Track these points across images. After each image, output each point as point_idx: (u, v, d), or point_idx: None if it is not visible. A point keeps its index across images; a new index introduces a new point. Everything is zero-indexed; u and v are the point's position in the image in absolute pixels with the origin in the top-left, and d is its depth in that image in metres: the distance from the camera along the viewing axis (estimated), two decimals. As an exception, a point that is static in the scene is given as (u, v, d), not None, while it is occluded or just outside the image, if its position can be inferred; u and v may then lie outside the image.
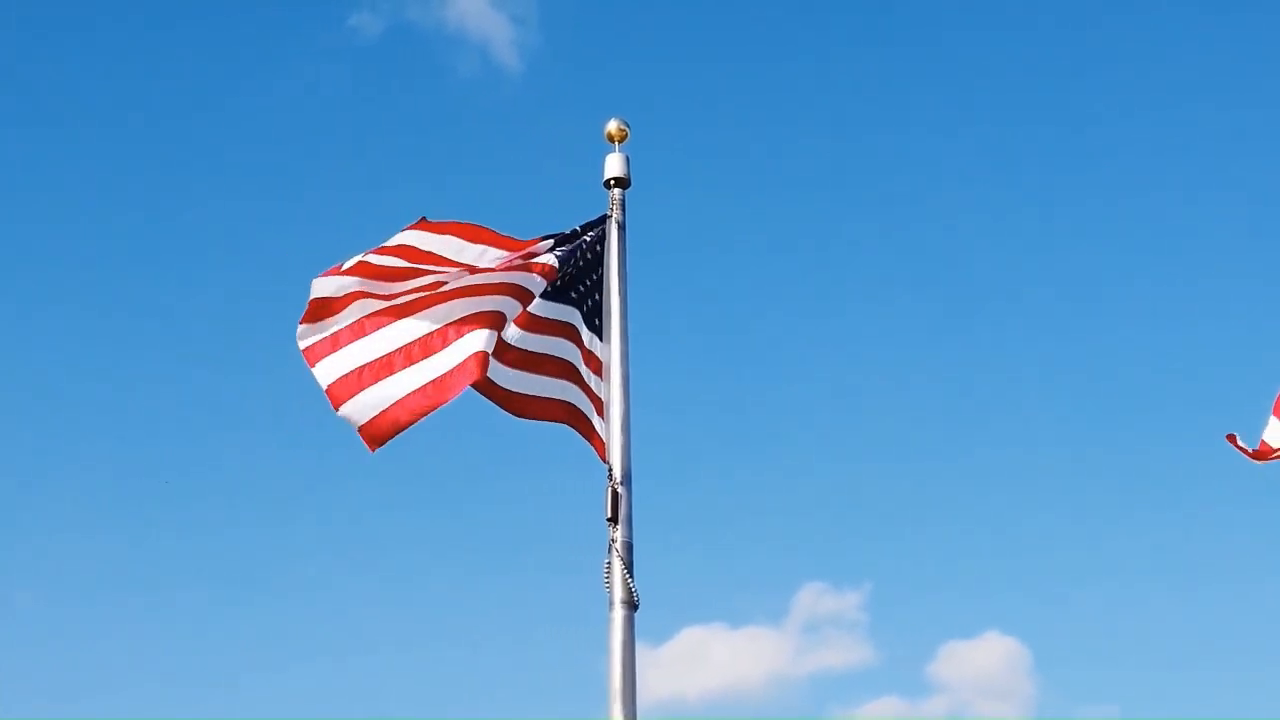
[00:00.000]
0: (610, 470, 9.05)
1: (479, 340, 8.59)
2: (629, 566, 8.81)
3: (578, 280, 9.51)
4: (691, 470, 28.80)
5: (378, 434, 8.63)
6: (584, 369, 9.45)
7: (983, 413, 31.86)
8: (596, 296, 9.56)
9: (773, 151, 33.32)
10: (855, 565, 30.23)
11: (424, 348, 8.70)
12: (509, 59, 32.22)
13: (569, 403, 9.30)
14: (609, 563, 8.82)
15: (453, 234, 9.28)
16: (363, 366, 8.71)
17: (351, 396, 8.63)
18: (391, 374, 8.65)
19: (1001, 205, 33.10)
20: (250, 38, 32.58)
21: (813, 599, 29.82)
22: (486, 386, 8.93)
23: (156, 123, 32.25)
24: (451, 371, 8.62)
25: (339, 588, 28.41)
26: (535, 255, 9.23)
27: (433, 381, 8.66)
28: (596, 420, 9.27)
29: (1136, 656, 28.00)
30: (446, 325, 8.72)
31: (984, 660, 29.48)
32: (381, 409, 8.61)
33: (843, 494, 30.60)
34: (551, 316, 9.37)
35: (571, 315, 9.50)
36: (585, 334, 9.50)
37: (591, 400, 9.36)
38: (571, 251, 9.39)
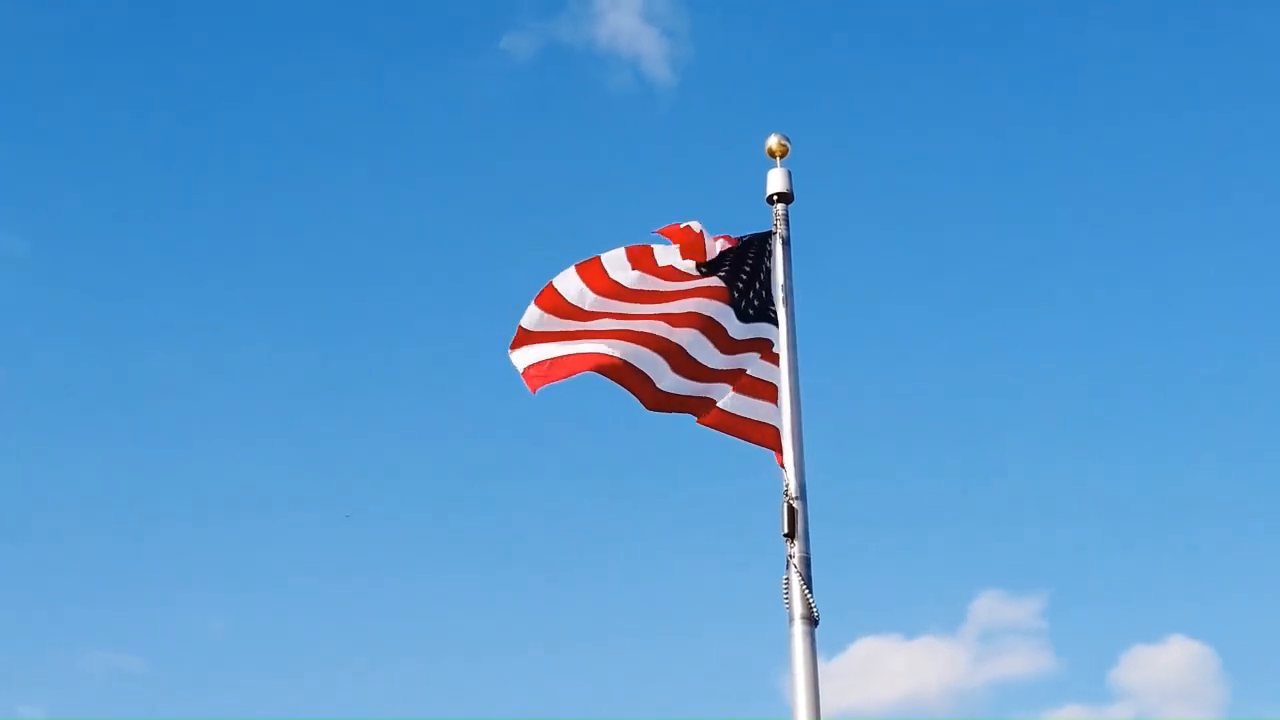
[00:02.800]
0: (786, 485, 9.06)
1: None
2: (807, 582, 8.79)
3: (751, 297, 9.54)
4: (863, 481, 28.62)
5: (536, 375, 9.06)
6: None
7: (1161, 415, 31.30)
8: (771, 313, 9.54)
9: (936, 161, 33.05)
10: (1032, 572, 29.84)
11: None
12: (662, 74, 32.31)
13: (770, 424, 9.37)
14: (787, 578, 8.82)
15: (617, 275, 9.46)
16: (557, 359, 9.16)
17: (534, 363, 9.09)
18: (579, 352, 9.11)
19: (1174, 210, 32.50)
20: (402, 64, 33.10)
21: (989, 607, 29.47)
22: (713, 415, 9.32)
23: (316, 148, 32.87)
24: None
25: (532, 595, 28.68)
26: (704, 276, 9.38)
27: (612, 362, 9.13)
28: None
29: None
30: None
31: (1170, 665, 28.89)
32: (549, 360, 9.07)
33: (1017, 500, 30.23)
34: (749, 337, 9.53)
35: (765, 331, 9.52)
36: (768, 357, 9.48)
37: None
38: (744, 270, 9.48)
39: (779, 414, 9.29)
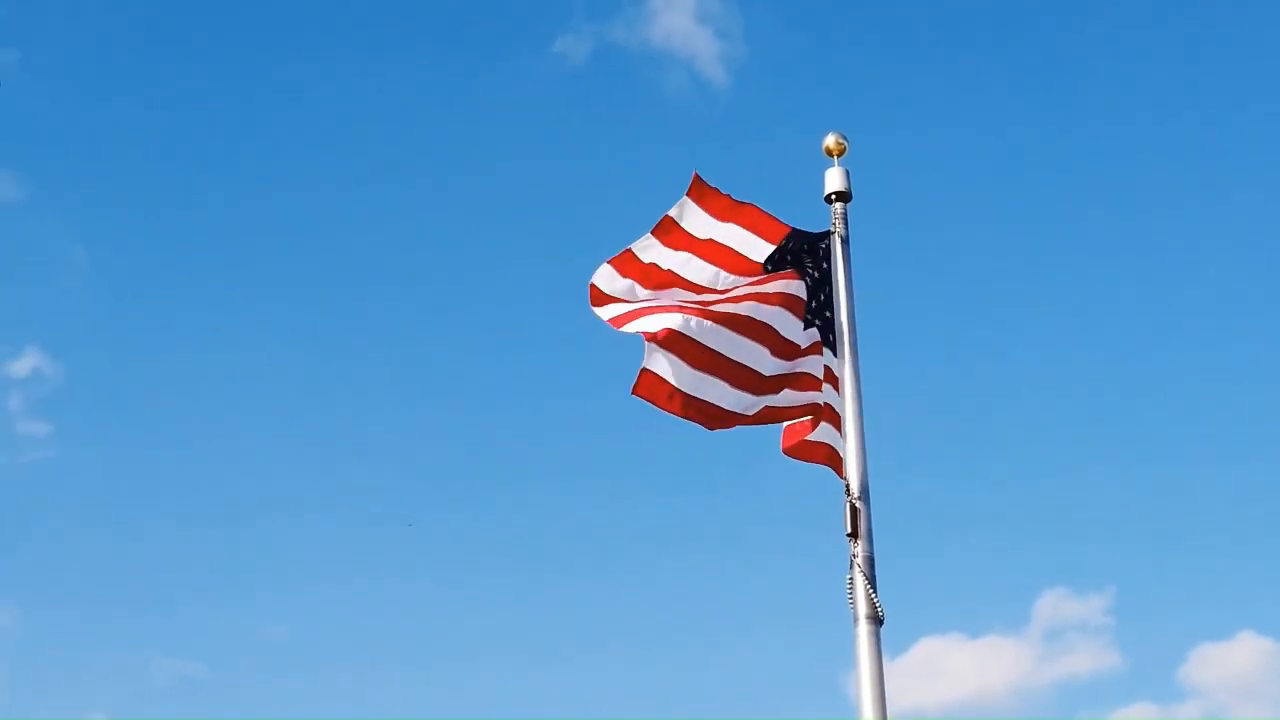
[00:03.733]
0: (847, 485, 9.04)
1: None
2: (871, 581, 8.77)
3: (810, 298, 9.53)
4: (925, 480, 28.50)
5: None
6: (825, 384, 9.41)
7: (1229, 409, 31.04)
8: (828, 313, 9.54)
9: (998, 157, 32.88)
10: (1097, 568, 29.63)
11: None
12: (716, 74, 32.28)
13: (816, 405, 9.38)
14: (851, 578, 8.79)
15: (694, 252, 9.49)
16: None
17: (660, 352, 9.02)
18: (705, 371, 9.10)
19: (1239, 207, 32.20)
20: (454, 69, 33.18)
21: (1054, 605, 29.28)
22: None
23: (366, 151, 33.03)
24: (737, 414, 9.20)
25: (593, 596, 28.76)
26: (780, 283, 9.39)
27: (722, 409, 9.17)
28: (831, 431, 9.27)
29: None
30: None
31: (1239, 662, 28.64)
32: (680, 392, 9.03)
33: (1081, 496, 30.04)
34: (809, 342, 9.46)
35: (816, 336, 9.47)
36: (824, 351, 9.46)
37: (828, 415, 9.34)
38: (814, 274, 9.49)
39: (839, 401, 9.29)
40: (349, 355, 31.80)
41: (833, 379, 9.38)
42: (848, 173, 9.88)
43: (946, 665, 28.63)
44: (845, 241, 9.71)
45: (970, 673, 28.68)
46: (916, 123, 33.17)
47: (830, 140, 9.95)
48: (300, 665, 28.15)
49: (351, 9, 33.86)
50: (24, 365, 29.83)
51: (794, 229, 9.60)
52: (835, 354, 9.43)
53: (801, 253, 9.55)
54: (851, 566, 8.79)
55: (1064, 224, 32.46)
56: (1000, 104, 33.33)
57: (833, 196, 9.82)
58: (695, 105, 32.63)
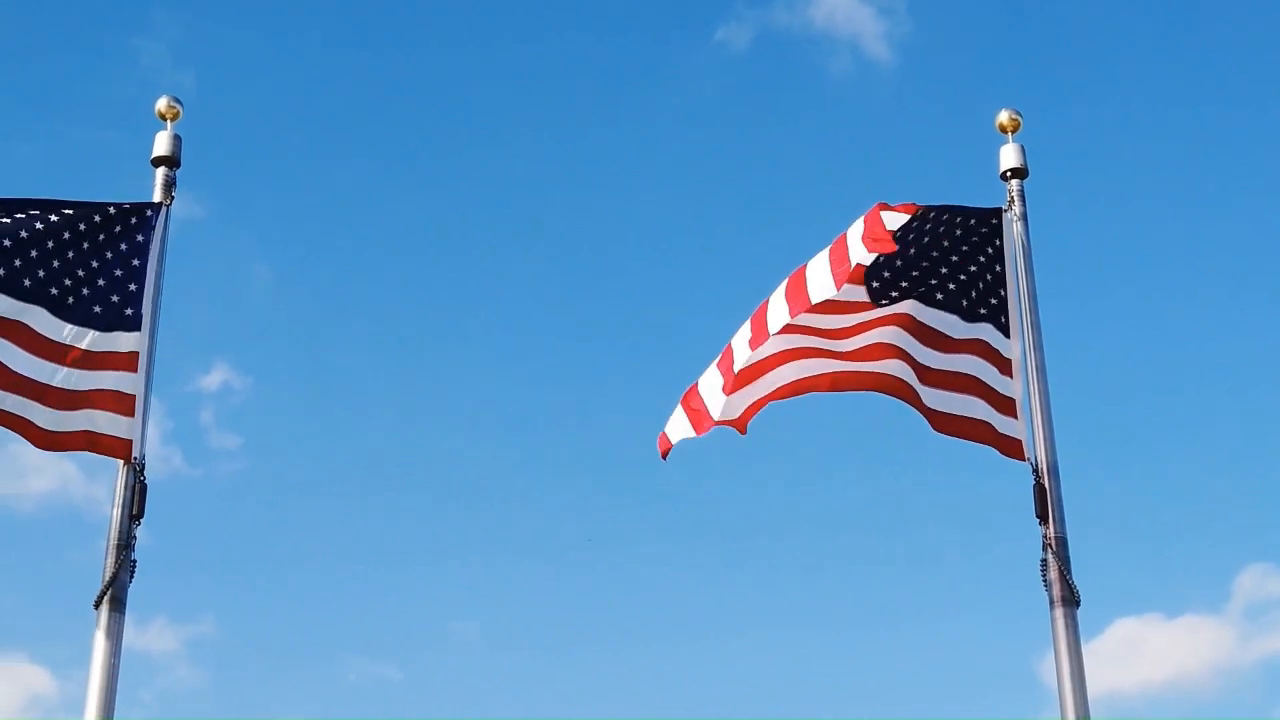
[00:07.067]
0: (1035, 467, 8.88)
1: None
2: (1064, 562, 8.61)
3: (972, 284, 9.24)
4: (1117, 457, 27.93)
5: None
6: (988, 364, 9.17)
7: None
8: (1002, 292, 9.32)
9: (1178, 129, 32.12)
10: (1301, 543, 28.78)
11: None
12: (881, 53, 31.88)
13: (985, 422, 9.07)
14: (1044, 560, 8.64)
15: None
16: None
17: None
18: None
19: None
20: (616, 65, 33.23)
21: (1256, 581, 28.54)
22: (913, 399, 9.07)
23: (541, 148, 33.28)
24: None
25: (802, 584, 28.73)
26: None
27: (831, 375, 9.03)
28: (1005, 421, 9.04)
29: None
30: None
31: None
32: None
33: None
34: (964, 336, 9.19)
35: (983, 331, 9.20)
36: (997, 339, 9.22)
37: (996, 403, 9.08)
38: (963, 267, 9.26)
39: (1007, 384, 9.12)
40: (527, 360, 32.03)
41: (1004, 363, 9.14)
42: (1023, 149, 9.73)
43: (1145, 647, 28.09)
44: (1024, 219, 9.55)
45: (1169, 653, 28.07)
46: (1094, 95, 32.52)
47: (1003, 117, 9.81)
48: (491, 663, 28.48)
49: (512, 8, 34.15)
50: (214, 380, 30.57)
51: (922, 208, 9.12)
52: (1008, 336, 9.20)
53: (956, 229, 9.31)
54: (1044, 549, 8.65)
55: (1252, 198, 31.61)
56: (1182, 74, 32.58)
57: (1008, 174, 9.68)
58: (861, 87, 32.31)
